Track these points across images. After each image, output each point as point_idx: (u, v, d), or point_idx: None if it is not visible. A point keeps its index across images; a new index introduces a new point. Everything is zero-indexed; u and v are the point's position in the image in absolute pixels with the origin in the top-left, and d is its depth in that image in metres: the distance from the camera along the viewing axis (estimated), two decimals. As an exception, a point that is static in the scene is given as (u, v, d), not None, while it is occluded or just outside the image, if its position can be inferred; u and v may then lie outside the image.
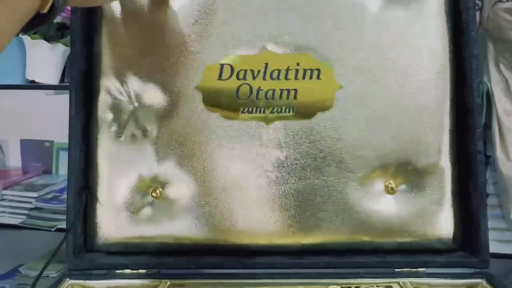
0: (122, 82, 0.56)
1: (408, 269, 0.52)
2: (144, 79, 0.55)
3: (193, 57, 0.55)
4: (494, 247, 1.14)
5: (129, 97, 0.56)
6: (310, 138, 0.55)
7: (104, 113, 0.56)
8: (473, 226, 0.53)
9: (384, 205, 0.55)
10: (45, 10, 0.33)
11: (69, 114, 0.55)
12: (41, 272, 0.51)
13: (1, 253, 1.55)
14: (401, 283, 0.50)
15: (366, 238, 0.55)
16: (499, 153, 1.05)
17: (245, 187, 0.55)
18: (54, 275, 1.37)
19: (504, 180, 1.07)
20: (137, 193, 0.56)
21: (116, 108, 0.56)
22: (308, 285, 0.50)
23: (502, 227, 1.14)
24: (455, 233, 0.55)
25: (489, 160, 1.11)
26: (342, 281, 0.50)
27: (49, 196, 1.32)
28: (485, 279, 0.52)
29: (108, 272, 0.55)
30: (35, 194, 1.29)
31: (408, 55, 0.55)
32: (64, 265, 0.56)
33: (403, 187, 0.56)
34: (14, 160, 1.49)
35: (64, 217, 1.33)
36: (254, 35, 0.55)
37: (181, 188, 0.56)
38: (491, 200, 1.14)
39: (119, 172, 0.56)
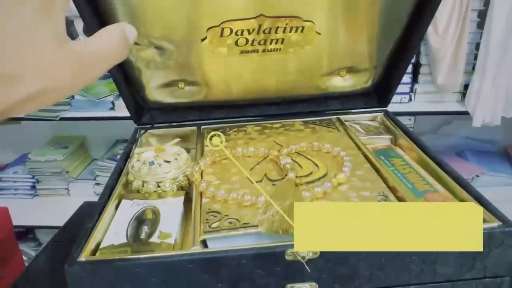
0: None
1: (342, 110, 0.79)
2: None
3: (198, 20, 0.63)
4: (425, 107, 1.43)
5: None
6: (294, 59, 0.70)
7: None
8: (389, 86, 0.78)
9: (335, 80, 0.77)
10: None
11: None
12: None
13: (10, 143, 1.70)
14: (336, 118, 0.77)
15: (322, 92, 0.79)
16: (429, 28, 1.25)
17: (241, 74, 0.72)
18: (61, 159, 1.59)
19: (432, 51, 1.29)
20: (167, 86, 0.74)
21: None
22: (284, 122, 0.76)
23: (431, 90, 1.41)
24: (374, 88, 0.80)
25: (423, 35, 1.32)
26: (304, 119, 0.76)
27: (46, 90, 1.45)
28: (383, 113, 0.79)
29: (164, 125, 0.77)
30: (34, 90, 1.40)
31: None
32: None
33: (348, 75, 0.77)
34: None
35: (64, 107, 1.52)
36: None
37: (199, 85, 0.74)
38: (423, 69, 1.38)
39: (151, 77, 0.72)
